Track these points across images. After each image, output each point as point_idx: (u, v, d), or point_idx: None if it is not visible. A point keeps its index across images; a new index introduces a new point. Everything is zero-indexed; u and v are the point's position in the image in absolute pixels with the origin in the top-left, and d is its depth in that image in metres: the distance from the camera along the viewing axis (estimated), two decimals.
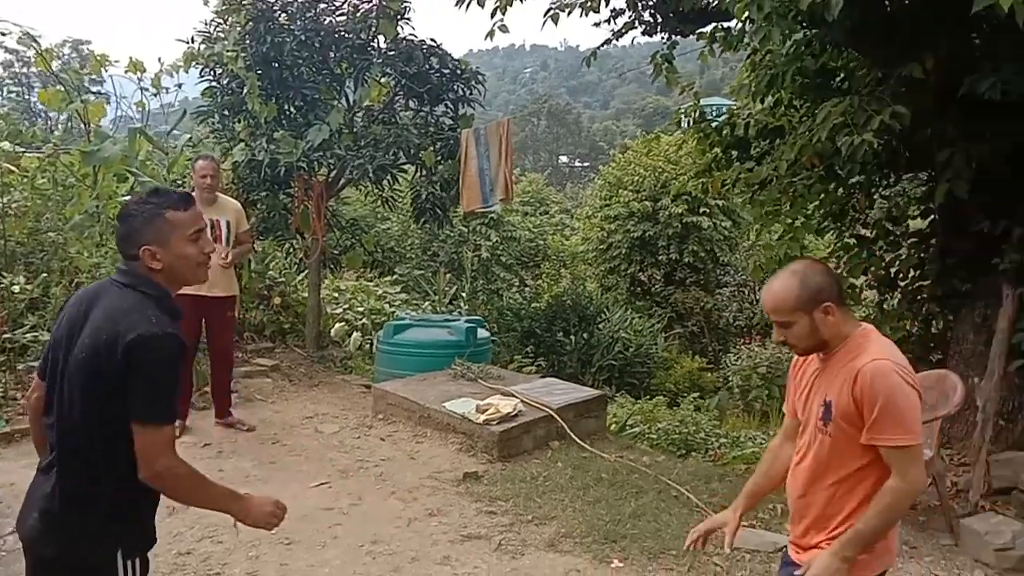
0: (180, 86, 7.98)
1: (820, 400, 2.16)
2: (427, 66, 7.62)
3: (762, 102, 6.03)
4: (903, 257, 5.92)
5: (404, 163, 7.76)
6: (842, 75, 5.41)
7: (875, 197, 6.07)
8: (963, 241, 5.13)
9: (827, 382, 2.15)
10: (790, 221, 6.03)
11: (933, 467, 4.18)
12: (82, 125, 7.07)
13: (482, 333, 7.39)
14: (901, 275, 5.98)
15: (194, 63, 7.54)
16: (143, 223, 1.99)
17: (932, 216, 5.70)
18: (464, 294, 12.31)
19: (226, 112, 7.63)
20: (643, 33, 5.75)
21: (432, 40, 7.85)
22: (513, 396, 5.78)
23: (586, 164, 60.57)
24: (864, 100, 4.33)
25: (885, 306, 6.14)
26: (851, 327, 2.15)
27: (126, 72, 7.46)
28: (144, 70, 7.55)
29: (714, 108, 6.92)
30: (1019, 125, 4.54)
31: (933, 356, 5.71)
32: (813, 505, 2.18)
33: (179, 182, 7.46)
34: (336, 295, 9.80)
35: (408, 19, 7.68)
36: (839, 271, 6.56)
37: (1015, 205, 4.79)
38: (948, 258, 5.32)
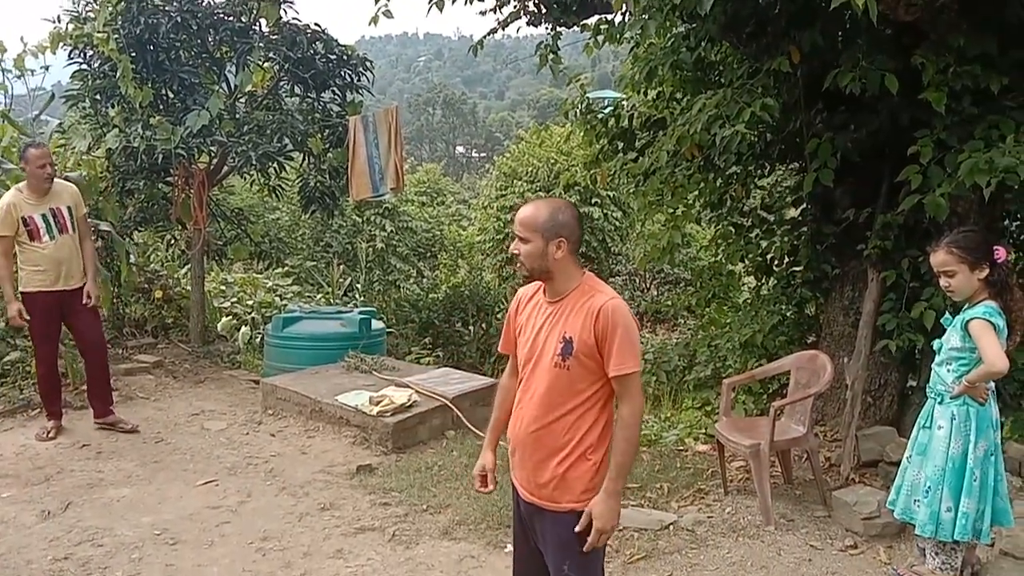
0: (47, 68, 7.50)
1: (558, 337, 2.35)
2: (312, 51, 7.44)
3: (645, 94, 6.21)
4: (777, 244, 6.21)
5: (291, 150, 7.56)
6: (719, 68, 5.63)
7: (751, 187, 6.35)
8: (832, 228, 5.44)
9: (563, 320, 2.36)
10: (672, 210, 6.23)
11: (807, 443, 4.44)
12: None
13: (376, 324, 7.31)
14: (776, 261, 6.28)
15: (62, 44, 7.08)
16: None
17: (803, 205, 6.01)
18: (359, 286, 12.13)
19: (98, 96, 7.21)
20: (528, 23, 5.81)
21: (317, 25, 7.67)
22: (408, 387, 5.76)
23: (483, 155, 60.63)
24: (736, 92, 4.53)
25: (762, 291, 6.45)
26: (578, 274, 2.40)
27: None
28: (4, 50, 7.06)
29: (605, 100, 7.06)
30: (877, 118, 4.85)
31: (807, 338, 6.04)
32: (549, 434, 2.38)
33: None
34: (223, 288, 9.47)
35: (291, 2, 7.48)
36: (719, 258, 6.87)
37: (877, 194, 5.12)
38: (818, 244, 5.62)
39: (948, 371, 3.34)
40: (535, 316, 2.45)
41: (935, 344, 3.48)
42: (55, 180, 5.26)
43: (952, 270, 3.24)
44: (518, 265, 2.42)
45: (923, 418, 3.46)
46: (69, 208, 5.19)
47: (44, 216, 5.05)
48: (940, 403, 3.37)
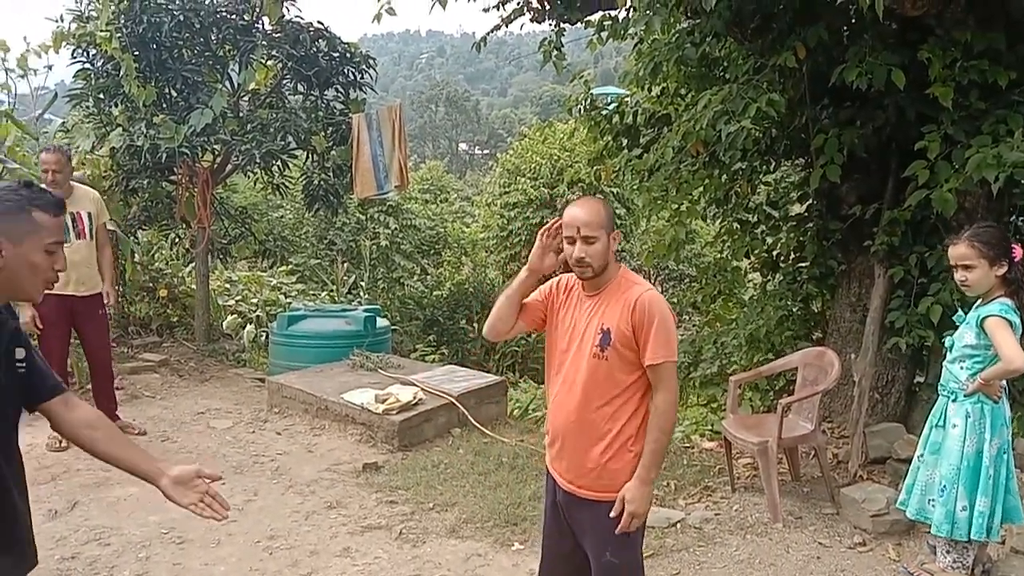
0: (50, 68, 7.50)
1: (596, 329, 2.40)
2: (315, 49, 7.44)
3: (649, 90, 6.19)
4: (783, 240, 6.20)
5: (294, 149, 7.56)
6: (724, 64, 5.61)
7: (757, 183, 6.33)
8: (838, 224, 5.41)
9: (601, 312, 2.41)
10: (676, 207, 6.21)
11: (815, 440, 4.43)
12: None
13: (381, 322, 7.30)
14: (782, 257, 6.26)
15: (65, 43, 7.08)
16: (3, 212, 1.74)
17: (809, 201, 5.99)
18: (363, 283, 12.13)
19: (101, 95, 7.21)
20: (532, 20, 5.78)
21: (319, 22, 7.66)
22: (413, 385, 5.75)
23: (486, 152, 60.59)
24: (742, 88, 4.51)
25: (768, 287, 6.43)
26: (616, 267, 2.45)
27: None
28: (7, 49, 7.06)
29: (609, 96, 7.05)
30: (883, 113, 4.83)
31: (814, 334, 6.02)
32: (590, 424, 2.41)
33: None
34: (228, 287, 9.47)
35: (294, 1, 7.48)
36: (724, 254, 6.85)
37: (884, 189, 5.10)
38: (825, 240, 5.59)
39: (962, 368, 3.31)
40: (574, 308, 2.50)
41: (947, 341, 3.45)
42: (79, 186, 5.29)
43: (971, 264, 3.21)
44: (583, 268, 2.39)
45: (936, 416, 3.43)
46: (90, 214, 5.18)
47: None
48: (954, 401, 3.34)
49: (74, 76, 7.40)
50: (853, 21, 4.84)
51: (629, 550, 2.45)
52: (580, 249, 2.36)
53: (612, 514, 2.36)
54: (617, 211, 15.82)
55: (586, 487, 2.44)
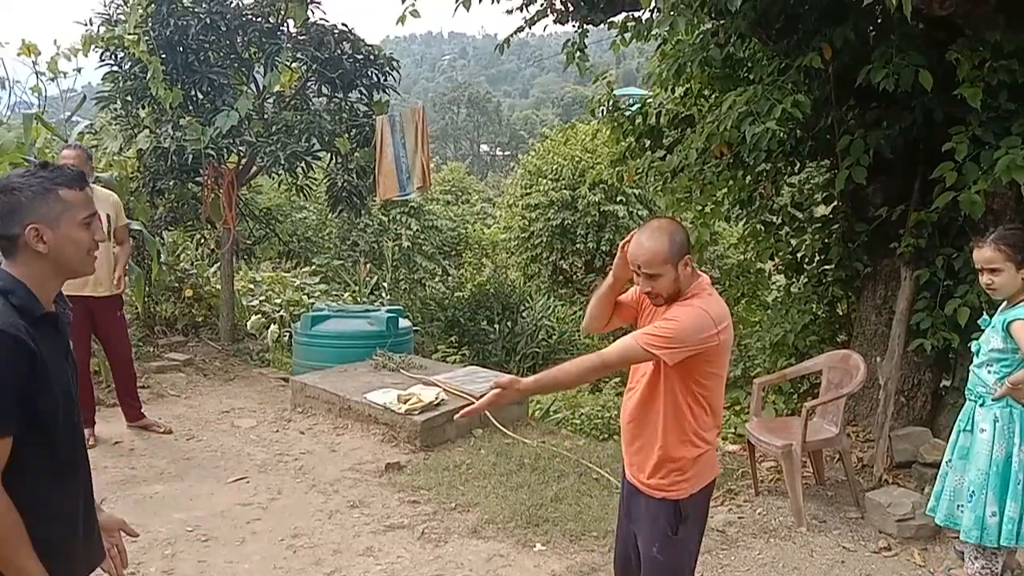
0: (79, 70, 7.59)
1: None
2: (339, 51, 7.48)
3: (673, 91, 6.16)
4: (808, 242, 6.14)
5: (318, 150, 7.61)
6: (748, 65, 5.58)
7: (781, 184, 6.28)
8: (864, 226, 5.37)
9: (658, 318, 2.46)
10: (700, 208, 6.18)
11: (839, 443, 4.39)
12: None
13: (403, 323, 7.33)
14: (807, 259, 6.20)
15: (93, 46, 7.18)
16: (32, 198, 1.72)
17: (834, 202, 5.94)
18: (386, 284, 12.18)
19: (129, 98, 7.31)
20: (555, 21, 5.77)
21: (344, 25, 7.71)
22: (435, 385, 5.77)
23: (507, 153, 60.65)
24: (767, 89, 4.48)
25: (792, 289, 6.38)
26: (694, 278, 2.46)
27: (19, 55, 7.06)
28: (39, 53, 7.16)
29: (630, 98, 7.03)
30: (910, 114, 4.78)
31: (839, 337, 5.96)
32: (645, 421, 2.50)
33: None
34: (252, 287, 9.56)
35: (318, 3, 7.53)
36: (748, 256, 6.80)
37: (910, 191, 5.05)
38: (850, 242, 5.54)
39: (989, 372, 3.27)
40: (649, 311, 2.59)
41: (973, 345, 3.41)
42: (98, 188, 5.27)
43: (998, 267, 3.18)
44: (653, 299, 2.46)
45: (963, 421, 3.39)
46: (109, 216, 5.16)
47: None
48: (981, 405, 3.30)
49: (102, 79, 7.51)
50: (879, 21, 4.79)
51: (675, 551, 2.48)
52: (645, 284, 2.42)
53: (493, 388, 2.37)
54: (639, 212, 15.83)
55: (641, 481, 2.52)
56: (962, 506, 3.33)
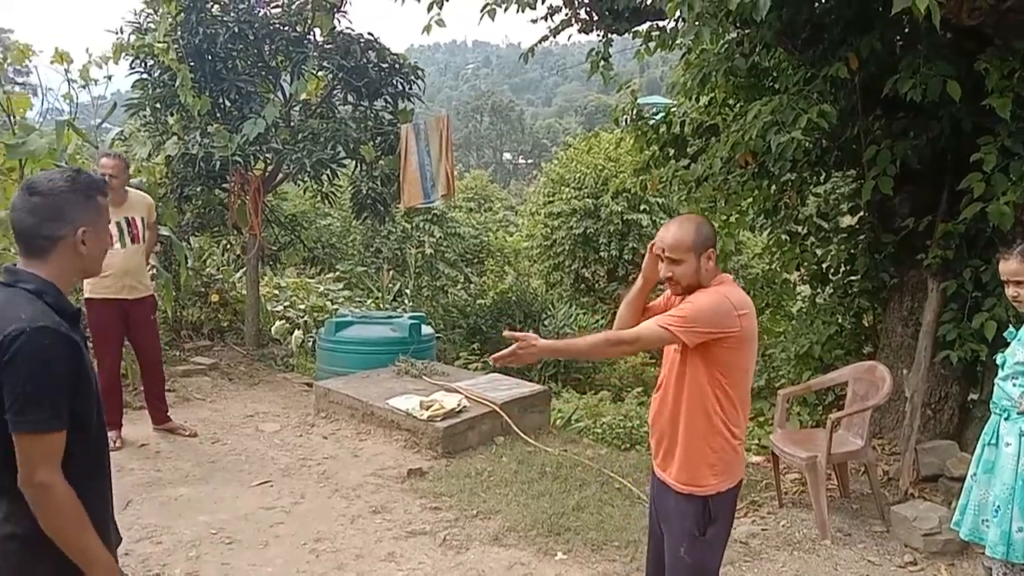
0: (110, 78, 7.73)
1: None
2: (364, 60, 7.57)
3: (697, 100, 6.15)
4: (833, 252, 6.10)
5: (343, 158, 7.69)
6: (773, 75, 5.56)
7: (806, 194, 6.24)
8: (890, 236, 5.32)
9: None
10: (725, 218, 6.16)
11: (865, 456, 4.34)
12: (6, 118, 6.80)
13: (426, 330, 7.37)
14: (832, 270, 6.16)
15: (124, 54, 7.32)
16: (80, 201, 1.78)
17: (860, 212, 5.89)
18: (408, 291, 12.24)
19: (158, 105, 7.44)
20: (579, 31, 5.79)
21: (370, 34, 7.79)
22: (457, 392, 5.79)
23: (530, 161, 60.67)
24: (792, 99, 4.46)
25: (818, 300, 6.33)
26: (716, 274, 2.52)
27: (52, 63, 7.20)
28: (71, 61, 7.29)
29: (653, 107, 7.02)
30: (938, 125, 4.73)
31: (864, 348, 5.90)
32: (673, 419, 2.53)
33: None
34: (276, 292, 9.65)
35: (345, 12, 7.61)
36: (772, 266, 6.75)
37: (937, 201, 4.99)
38: (876, 253, 5.49)
39: (1014, 386, 3.23)
40: None
41: (998, 358, 3.37)
42: (133, 191, 5.40)
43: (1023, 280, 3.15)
44: (672, 285, 2.54)
45: (988, 435, 3.35)
46: (143, 219, 5.29)
47: (119, 224, 5.12)
48: (1006, 419, 3.26)
49: (132, 86, 7.64)
50: (907, 31, 4.76)
51: (702, 553, 2.49)
52: (666, 268, 2.50)
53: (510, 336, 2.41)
54: (663, 221, 15.72)
55: (670, 476, 2.54)
56: (987, 521, 3.29)
